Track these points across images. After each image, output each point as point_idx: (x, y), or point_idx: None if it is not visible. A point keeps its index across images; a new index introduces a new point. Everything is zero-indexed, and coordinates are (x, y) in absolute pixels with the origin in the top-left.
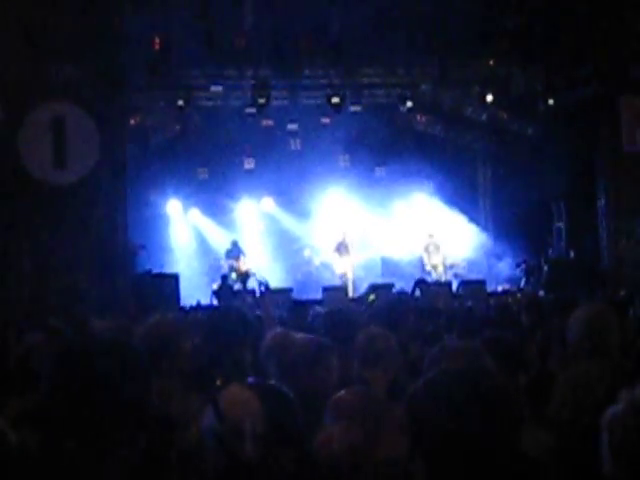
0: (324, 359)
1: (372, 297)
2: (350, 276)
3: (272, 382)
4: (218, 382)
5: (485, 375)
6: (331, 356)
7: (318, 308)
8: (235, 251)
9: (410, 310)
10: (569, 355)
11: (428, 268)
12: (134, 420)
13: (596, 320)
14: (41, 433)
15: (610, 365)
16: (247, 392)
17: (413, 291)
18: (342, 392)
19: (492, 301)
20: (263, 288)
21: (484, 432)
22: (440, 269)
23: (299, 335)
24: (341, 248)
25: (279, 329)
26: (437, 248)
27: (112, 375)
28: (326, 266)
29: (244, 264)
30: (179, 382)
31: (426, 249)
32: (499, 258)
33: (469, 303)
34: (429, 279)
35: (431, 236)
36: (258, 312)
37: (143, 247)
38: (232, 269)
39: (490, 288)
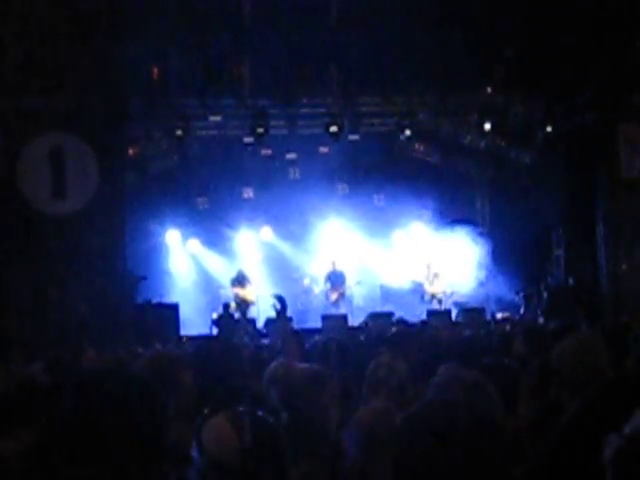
0: (325, 388)
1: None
2: (342, 308)
3: (259, 411)
4: (205, 411)
5: (468, 408)
6: (332, 385)
7: (316, 337)
8: (241, 279)
9: (411, 339)
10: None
11: (427, 297)
12: (148, 453)
13: (583, 349)
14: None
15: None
16: (227, 424)
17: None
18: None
19: (491, 329)
20: (279, 306)
21: (463, 467)
22: (440, 297)
23: (301, 365)
24: (332, 278)
25: (281, 359)
26: (436, 276)
27: (125, 407)
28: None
29: (250, 292)
30: (175, 414)
31: (426, 278)
32: (498, 286)
33: (468, 331)
34: (428, 308)
35: (429, 265)
36: (264, 340)
37: (144, 278)
38: (237, 297)
39: (489, 316)
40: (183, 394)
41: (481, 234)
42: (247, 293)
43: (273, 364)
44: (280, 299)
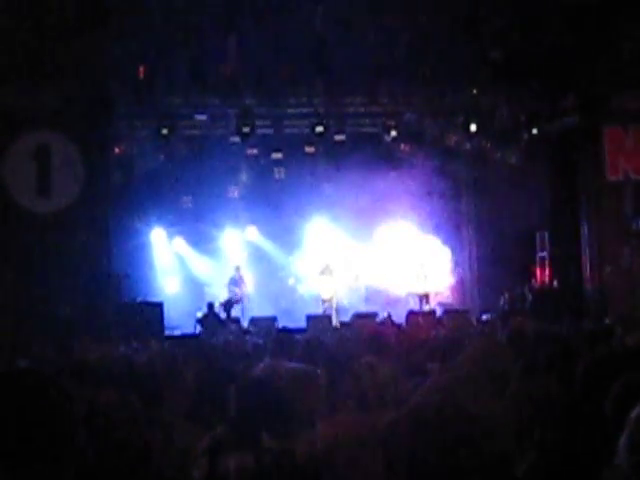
0: (312, 388)
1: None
2: (334, 302)
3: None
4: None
5: (459, 408)
6: (318, 385)
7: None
8: (237, 278)
9: (393, 339)
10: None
11: (412, 298)
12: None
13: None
14: None
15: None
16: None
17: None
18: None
19: (476, 330)
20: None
21: (456, 466)
22: (428, 297)
23: (288, 364)
24: (326, 272)
25: (268, 359)
26: (426, 277)
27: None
28: (310, 294)
29: (244, 291)
30: (181, 413)
31: (417, 277)
32: (483, 287)
33: (453, 332)
34: (411, 308)
35: (422, 265)
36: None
37: (128, 276)
38: (234, 296)
39: (474, 317)
40: (184, 391)
41: (466, 235)
42: (243, 292)
43: (260, 365)
44: (227, 305)
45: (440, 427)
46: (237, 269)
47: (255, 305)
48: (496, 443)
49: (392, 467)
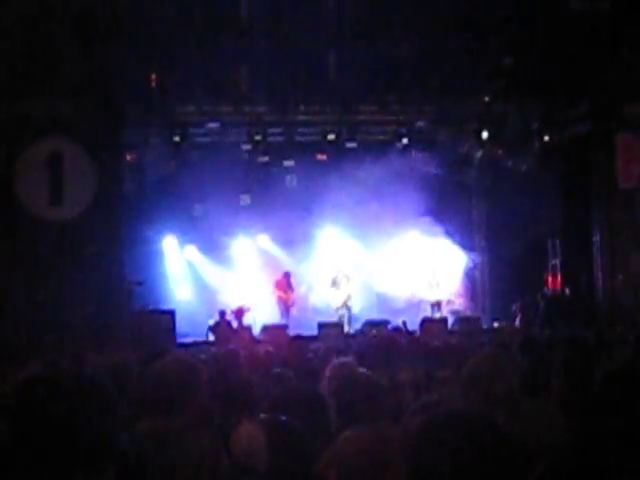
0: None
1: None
2: (345, 311)
3: (282, 417)
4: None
5: (482, 417)
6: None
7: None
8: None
9: (404, 347)
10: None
11: (424, 305)
12: (101, 455)
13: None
14: None
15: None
16: (256, 431)
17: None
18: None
19: (487, 338)
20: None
21: (478, 476)
22: (440, 304)
23: (360, 369)
24: (337, 282)
25: (336, 360)
26: (438, 285)
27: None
28: (322, 303)
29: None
30: (190, 419)
31: (429, 284)
32: (495, 294)
33: (465, 340)
34: (424, 316)
35: (434, 272)
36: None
37: (140, 283)
38: (281, 301)
39: (486, 324)
40: (200, 398)
41: (477, 242)
42: (289, 297)
43: (332, 365)
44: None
45: (468, 438)
46: (286, 274)
47: (266, 313)
48: (518, 455)
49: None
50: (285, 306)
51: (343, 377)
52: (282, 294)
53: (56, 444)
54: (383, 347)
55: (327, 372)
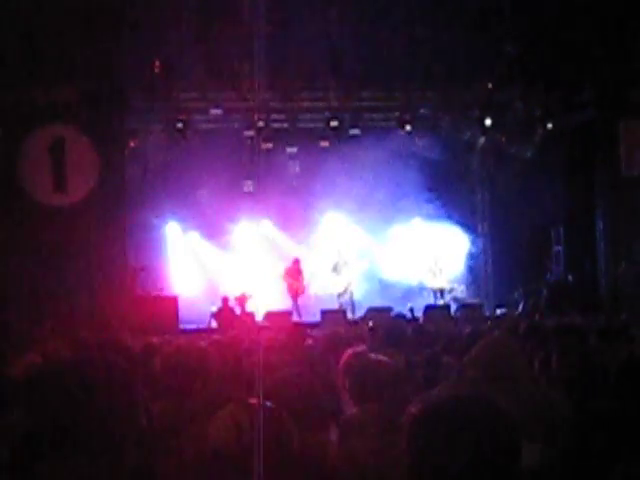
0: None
1: None
2: (347, 296)
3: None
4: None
5: (484, 402)
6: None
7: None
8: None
9: (407, 333)
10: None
11: (426, 292)
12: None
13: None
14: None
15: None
16: (236, 416)
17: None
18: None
19: (490, 325)
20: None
21: (477, 463)
22: (443, 291)
23: (378, 356)
24: (337, 267)
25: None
26: (441, 271)
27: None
28: (325, 289)
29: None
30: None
31: (431, 271)
32: (498, 282)
33: (467, 326)
34: (427, 303)
35: (436, 259)
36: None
37: (143, 269)
38: (292, 289)
39: (488, 312)
40: (209, 383)
41: (480, 230)
42: (300, 284)
43: (348, 353)
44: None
45: (471, 423)
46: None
47: (269, 299)
48: (519, 439)
49: (416, 462)
50: (295, 294)
51: (360, 366)
52: (293, 282)
53: (82, 429)
54: (388, 334)
55: (341, 364)
